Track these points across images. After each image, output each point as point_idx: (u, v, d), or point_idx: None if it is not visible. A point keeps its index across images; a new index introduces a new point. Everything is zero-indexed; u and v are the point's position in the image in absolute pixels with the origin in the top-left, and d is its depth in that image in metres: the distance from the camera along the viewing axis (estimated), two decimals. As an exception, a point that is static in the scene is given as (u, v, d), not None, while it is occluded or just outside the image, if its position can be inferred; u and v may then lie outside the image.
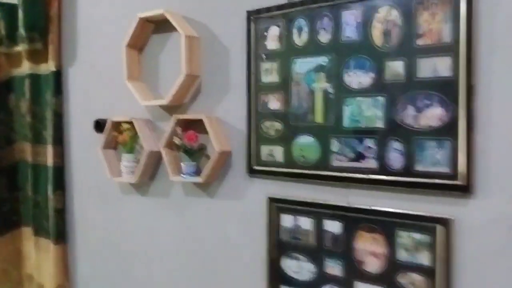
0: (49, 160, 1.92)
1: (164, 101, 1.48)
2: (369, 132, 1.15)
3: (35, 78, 1.97)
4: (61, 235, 1.95)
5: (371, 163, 1.16)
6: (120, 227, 1.80)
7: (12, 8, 1.92)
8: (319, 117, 1.23)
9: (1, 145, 2.08)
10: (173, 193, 1.62)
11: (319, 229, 1.27)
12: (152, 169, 1.65)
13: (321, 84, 1.22)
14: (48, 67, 1.91)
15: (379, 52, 1.12)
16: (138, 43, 1.61)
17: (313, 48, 1.23)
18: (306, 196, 1.29)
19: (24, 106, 2.04)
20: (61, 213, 1.95)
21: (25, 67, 2.00)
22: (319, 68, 1.22)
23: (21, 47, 1.93)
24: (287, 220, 1.33)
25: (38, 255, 2.04)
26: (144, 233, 1.72)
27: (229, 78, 1.43)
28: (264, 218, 1.38)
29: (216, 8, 1.44)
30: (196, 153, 1.50)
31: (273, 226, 1.36)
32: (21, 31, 1.87)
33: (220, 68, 1.45)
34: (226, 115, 1.46)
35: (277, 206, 1.35)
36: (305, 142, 1.26)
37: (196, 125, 1.48)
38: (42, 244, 2.03)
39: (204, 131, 1.46)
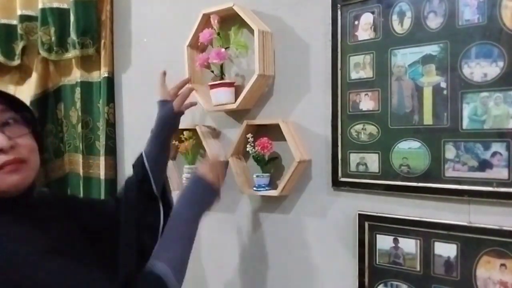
0: (102, 172, 1.80)
1: (234, 106, 1.31)
2: (498, 135, 0.94)
3: (86, 86, 1.86)
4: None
5: (501, 173, 0.94)
6: (178, 245, 1.63)
7: (63, 12, 1.83)
8: (428, 118, 1.02)
9: (50, 157, 1.99)
10: (240, 207, 1.44)
11: (428, 253, 1.05)
12: (215, 181, 1.48)
13: (431, 78, 1.02)
14: (100, 74, 1.81)
15: (512, 37, 0.91)
16: (200, 44, 1.46)
17: (419, 35, 1.03)
18: (410, 213, 1.09)
19: (74, 116, 1.95)
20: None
21: (76, 75, 1.90)
22: (428, 59, 1.02)
23: (72, 54, 1.84)
24: (384, 241, 1.13)
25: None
26: (205, 253, 1.55)
27: (308, 76, 1.25)
28: (353, 239, 1.18)
29: (291, -1, 1.28)
30: (267, 163, 1.32)
31: (365, 248, 1.16)
32: (73, 36, 1.78)
33: (297, 66, 1.28)
34: (303, 119, 1.28)
35: (370, 224, 1.15)
36: (410, 148, 1.06)
37: (267, 132, 1.31)
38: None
39: (276, 138, 1.28)
